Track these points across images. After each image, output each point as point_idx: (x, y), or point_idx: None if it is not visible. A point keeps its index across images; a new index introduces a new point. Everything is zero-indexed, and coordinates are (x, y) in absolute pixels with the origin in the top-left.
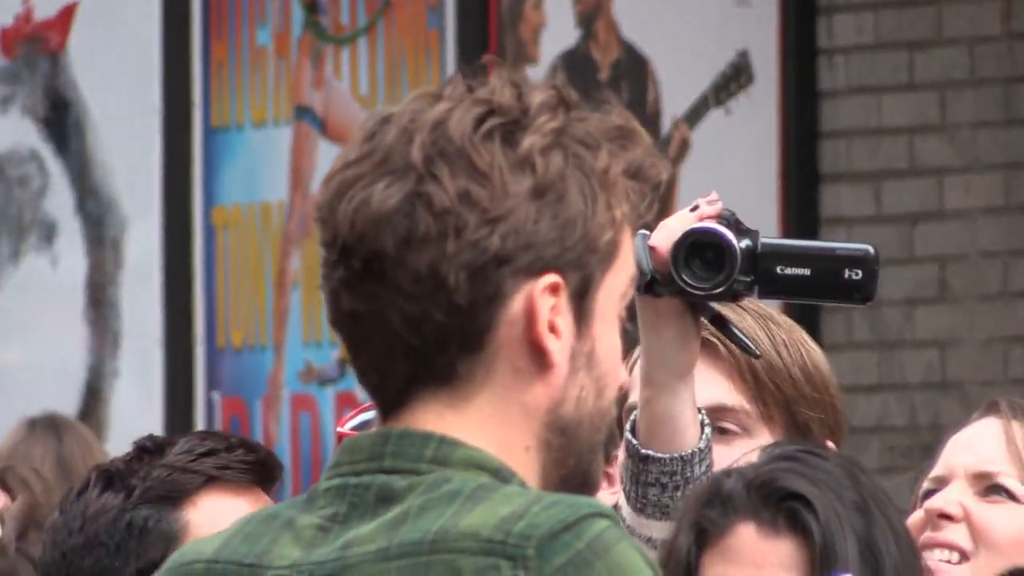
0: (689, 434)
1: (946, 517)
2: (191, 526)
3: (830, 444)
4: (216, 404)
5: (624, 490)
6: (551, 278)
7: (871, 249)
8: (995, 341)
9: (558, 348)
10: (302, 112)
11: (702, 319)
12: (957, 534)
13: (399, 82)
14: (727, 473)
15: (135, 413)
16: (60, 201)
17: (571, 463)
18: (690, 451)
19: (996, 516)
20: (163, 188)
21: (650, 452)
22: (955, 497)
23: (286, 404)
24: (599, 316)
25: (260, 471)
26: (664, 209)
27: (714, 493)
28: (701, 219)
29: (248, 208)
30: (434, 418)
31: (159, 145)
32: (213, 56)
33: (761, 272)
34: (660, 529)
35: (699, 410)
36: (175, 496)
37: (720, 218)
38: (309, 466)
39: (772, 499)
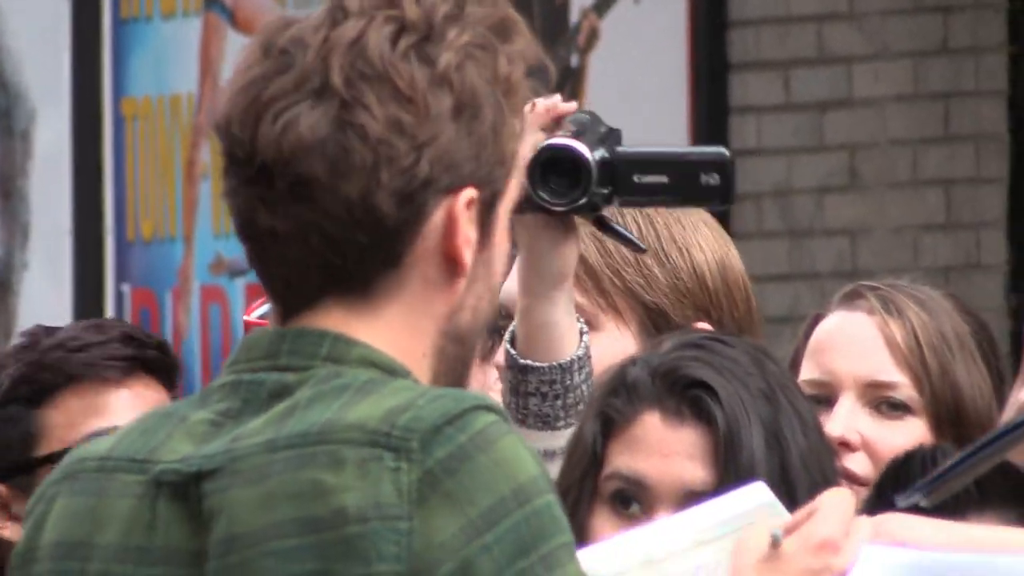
0: (567, 342)
1: (844, 445)
2: (50, 428)
3: (703, 325)
4: (126, 296)
5: (504, 402)
6: (470, 193)
7: (725, 152)
8: (905, 229)
9: (467, 264)
10: (211, 3)
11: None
12: (856, 462)
13: None
14: (632, 361)
15: (45, 305)
16: None
17: (459, 368)
18: (568, 359)
19: (894, 438)
20: (72, 79)
21: (528, 362)
22: (851, 421)
23: (196, 296)
24: (499, 224)
25: (136, 364)
26: (574, 98)
27: (619, 381)
28: (545, 122)
29: (158, 99)
30: (338, 322)
31: (68, 36)
32: None
33: (618, 182)
34: (541, 439)
35: (577, 318)
36: (36, 396)
37: (577, 123)
38: (219, 358)
39: (676, 387)
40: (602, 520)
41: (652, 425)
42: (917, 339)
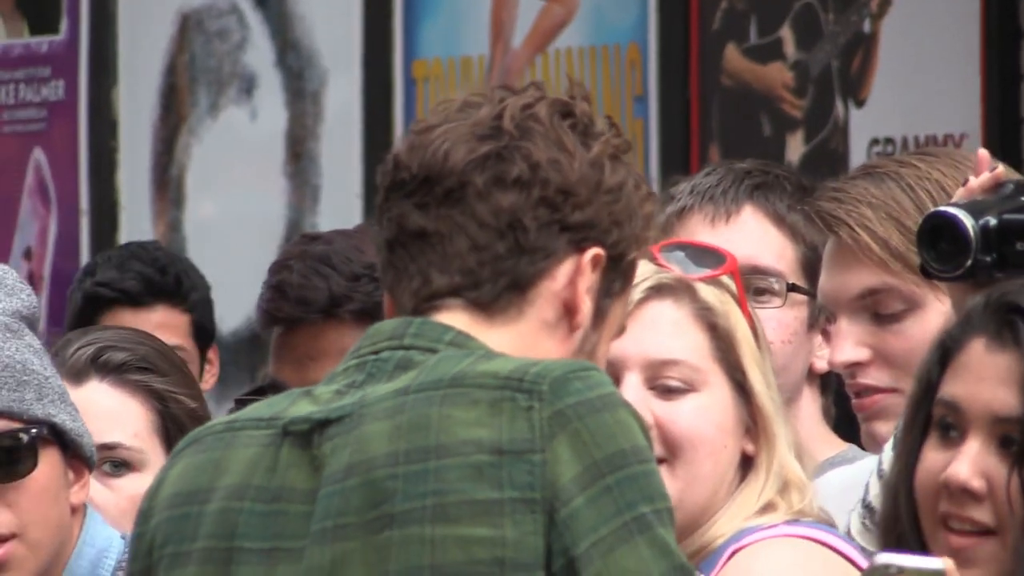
0: None
1: None
2: None
3: None
4: None
5: (896, 435)
6: (599, 250)
7: None
8: None
9: (584, 316)
10: None
11: None
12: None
13: None
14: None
15: None
16: (259, 54)
17: None
18: None
19: None
20: (363, 41)
21: None
22: None
23: None
24: (609, 323)
25: None
26: (866, 64)
27: (961, 311)
28: (967, 193)
29: (448, 62)
30: (460, 324)
31: None
32: None
33: (1004, 249)
34: None
35: None
36: None
37: (993, 189)
38: None
39: (1000, 313)
40: (929, 447)
41: (976, 350)
42: None
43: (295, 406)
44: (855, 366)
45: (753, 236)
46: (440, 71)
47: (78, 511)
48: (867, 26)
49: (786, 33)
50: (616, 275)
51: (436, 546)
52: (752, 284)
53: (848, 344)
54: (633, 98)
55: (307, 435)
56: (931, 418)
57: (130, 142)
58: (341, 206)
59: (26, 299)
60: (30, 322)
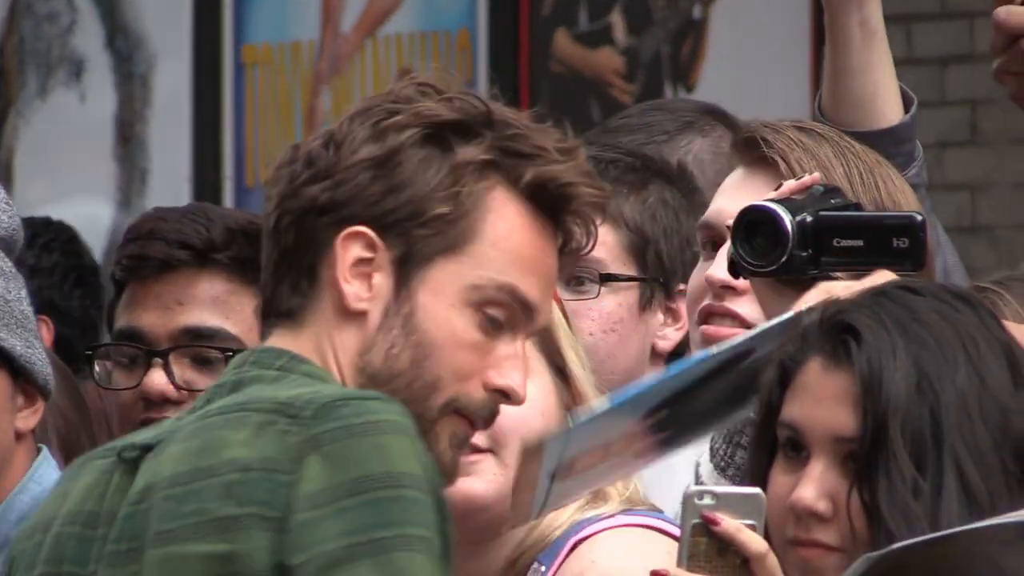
0: None
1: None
2: None
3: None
4: None
5: (712, 446)
6: (352, 228)
7: (916, 216)
8: None
9: (354, 294)
10: None
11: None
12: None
13: None
14: (812, 308)
15: None
16: (89, 37)
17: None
18: None
19: None
20: (193, 25)
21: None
22: None
23: None
24: (430, 289)
25: None
26: (696, 50)
27: (798, 330)
28: (779, 195)
29: (279, 47)
30: (282, 341)
31: None
32: None
33: (819, 245)
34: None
35: None
36: None
37: (810, 193)
38: None
39: (834, 332)
40: (777, 470)
41: (813, 370)
42: None
43: (139, 433)
44: (728, 289)
45: None
46: (270, 55)
47: (24, 437)
48: (697, 12)
49: (616, 19)
50: (411, 239)
51: (185, 563)
52: (571, 274)
53: (722, 267)
54: (463, 83)
55: (136, 461)
56: (777, 440)
57: None
58: (169, 189)
59: (6, 221)
60: (6, 244)
